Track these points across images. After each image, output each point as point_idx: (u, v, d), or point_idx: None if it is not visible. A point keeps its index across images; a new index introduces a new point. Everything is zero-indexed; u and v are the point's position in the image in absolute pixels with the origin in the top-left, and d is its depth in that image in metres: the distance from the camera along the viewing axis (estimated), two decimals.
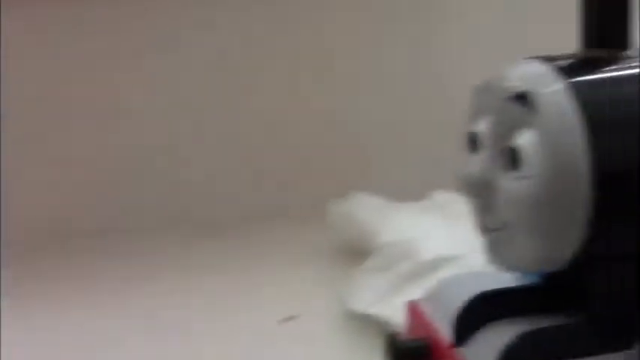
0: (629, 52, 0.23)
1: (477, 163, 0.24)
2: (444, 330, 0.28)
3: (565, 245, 0.22)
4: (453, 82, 0.61)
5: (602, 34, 0.23)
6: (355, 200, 0.52)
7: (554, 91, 0.22)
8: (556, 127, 0.21)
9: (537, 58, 0.23)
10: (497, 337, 0.25)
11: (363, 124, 0.61)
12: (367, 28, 0.61)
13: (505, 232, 0.24)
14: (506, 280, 0.29)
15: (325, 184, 0.58)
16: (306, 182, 0.59)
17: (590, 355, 0.23)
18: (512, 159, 0.22)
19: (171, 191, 0.58)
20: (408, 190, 0.52)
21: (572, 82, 0.22)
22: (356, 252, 0.49)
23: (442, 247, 0.43)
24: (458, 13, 0.62)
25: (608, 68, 0.23)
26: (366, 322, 0.41)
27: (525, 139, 0.22)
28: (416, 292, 0.40)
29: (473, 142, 0.24)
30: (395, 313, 0.39)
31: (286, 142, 0.60)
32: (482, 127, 0.24)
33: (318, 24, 0.60)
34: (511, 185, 0.23)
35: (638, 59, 0.23)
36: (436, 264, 0.42)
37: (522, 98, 0.22)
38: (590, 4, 0.23)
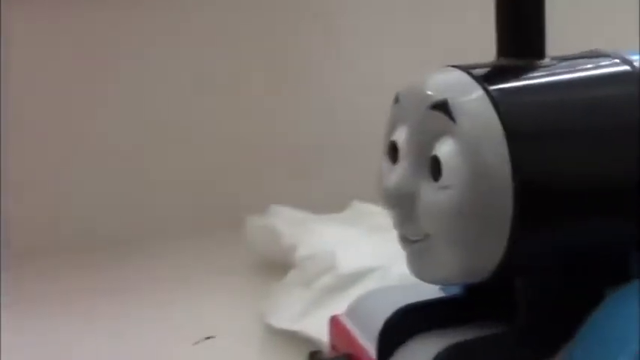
0: (546, 61, 0.23)
1: (397, 173, 0.23)
2: (367, 345, 0.27)
3: (487, 257, 0.22)
4: (371, 92, 0.61)
5: (518, 43, 0.23)
6: (273, 213, 0.51)
7: (473, 100, 0.21)
8: (476, 136, 0.21)
9: (456, 66, 0.23)
10: (423, 350, 0.25)
11: (280, 135, 0.60)
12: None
13: (426, 244, 0.23)
14: (428, 292, 0.29)
15: (242, 196, 0.57)
16: (222, 195, 0.58)
17: None
18: (432, 169, 0.22)
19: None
20: (327, 202, 0.52)
21: (492, 90, 0.22)
22: (275, 267, 0.48)
23: (363, 259, 0.43)
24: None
25: (526, 77, 0.23)
26: (288, 339, 0.40)
27: (445, 149, 0.22)
28: (338, 306, 0.39)
29: (393, 152, 0.24)
30: (318, 329, 0.38)
31: (201, 152, 0.58)
32: (402, 136, 0.24)
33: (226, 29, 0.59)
34: (431, 196, 0.22)
35: (555, 68, 0.23)
36: (358, 276, 0.42)
37: (441, 106, 0.22)
38: (505, 13, 0.23)
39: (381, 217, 0.53)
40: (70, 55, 0.55)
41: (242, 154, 0.59)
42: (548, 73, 0.23)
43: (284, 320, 0.41)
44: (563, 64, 0.23)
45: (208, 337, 0.42)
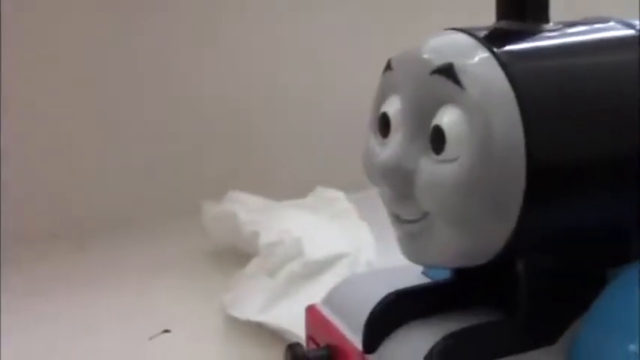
0: (550, 25, 0.21)
1: (391, 147, 0.21)
2: (350, 336, 0.25)
3: (493, 238, 0.20)
4: (335, 77, 0.59)
5: (521, 6, 0.21)
6: (232, 200, 0.49)
7: (481, 63, 0.19)
8: (486, 104, 0.19)
9: (456, 29, 0.21)
10: (415, 340, 0.23)
11: (238, 119, 0.57)
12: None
13: (424, 224, 0.21)
14: (411, 277, 0.27)
15: (198, 182, 0.54)
16: (177, 181, 0.55)
17: (518, 352, 0.21)
18: (434, 140, 0.20)
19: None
20: (289, 188, 0.49)
21: (500, 54, 0.20)
22: (236, 255, 0.46)
23: (331, 246, 0.41)
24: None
25: (534, 40, 0.21)
26: (253, 331, 0.38)
27: (449, 118, 0.19)
28: (306, 295, 0.37)
29: (384, 124, 0.22)
30: (287, 320, 0.36)
31: (155, 136, 0.55)
32: (395, 106, 0.21)
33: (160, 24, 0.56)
34: (433, 170, 0.20)
35: (561, 32, 0.21)
36: (326, 264, 0.40)
37: (445, 71, 0.19)
38: None
39: (344, 202, 0.51)
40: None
41: (197, 139, 0.56)
42: (555, 37, 0.21)
43: (248, 311, 0.38)
44: (569, 29, 0.22)
45: (165, 331, 0.40)
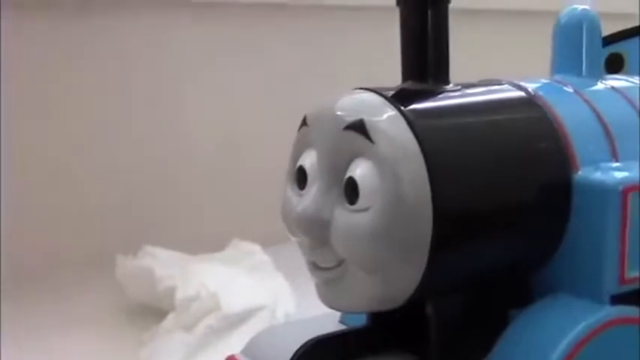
0: (450, 86, 0.23)
1: (308, 198, 0.22)
2: None
3: (404, 282, 0.21)
4: (251, 128, 0.60)
5: (424, 69, 0.23)
6: (147, 254, 0.49)
7: (389, 120, 0.21)
8: (394, 157, 0.20)
9: (364, 89, 0.23)
10: None
11: (154, 172, 0.58)
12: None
13: (340, 270, 0.22)
14: (328, 325, 0.28)
15: (112, 236, 0.53)
16: (91, 234, 0.54)
17: None
18: (347, 191, 0.21)
19: None
20: (205, 242, 0.50)
21: (406, 111, 0.21)
22: (152, 311, 0.46)
23: (248, 299, 0.41)
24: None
25: (436, 100, 0.23)
26: None
27: (361, 170, 0.21)
28: (224, 348, 0.38)
29: (301, 177, 0.23)
30: None
31: (69, 188, 0.55)
32: (311, 160, 0.23)
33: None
34: (347, 219, 0.21)
35: (461, 93, 0.23)
36: (244, 317, 0.40)
37: (357, 127, 0.21)
38: (411, 39, 0.23)
39: (260, 255, 0.52)
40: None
41: (113, 191, 0.56)
42: (455, 96, 0.23)
43: None
44: (467, 89, 0.24)
45: None
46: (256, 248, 0.49)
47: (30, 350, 0.43)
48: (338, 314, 0.27)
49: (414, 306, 0.23)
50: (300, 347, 0.25)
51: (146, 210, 0.57)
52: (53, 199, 0.54)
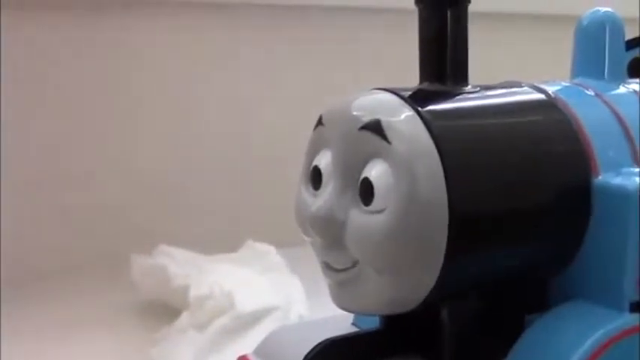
0: (469, 88, 0.23)
1: (322, 198, 0.22)
2: None
3: (419, 285, 0.21)
4: (263, 131, 0.60)
5: (443, 70, 0.23)
6: (162, 253, 0.49)
7: (406, 120, 0.21)
8: (411, 158, 0.20)
9: (382, 89, 0.22)
10: None
11: (169, 173, 0.58)
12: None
13: (354, 272, 0.22)
14: (340, 327, 0.28)
15: (127, 235, 0.53)
16: (104, 233, 0.54)
17: None
18: (362, 192, 0.21)
19: None
20: (220, 243, 0.50)
21: (423, 112, 0.21)
22: (165, 310, 0.46)
23: (262, 299, 0.41)
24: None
25: (454, 101, 0.22)
26: None
27: (377, 171, 0.21)
28: (237, 348, 0.37)
29: (316, 177, 0.23)
30: None
31: (85, 187, 0.55)
32: (326, 160, 0.23)
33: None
34: (362, 220, 0.21)
35: (479, 94, 0.23)
36: (257, 317, 0.40)
37: (373, 127, 0.21)
38: (432, 39, 0.23)
39: (276, 256, 0.52)
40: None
41: (128, 192, 0.56)
42: (473, 98, 0.23)
43: None
44: (486, 91, 0.23)
45: None
46: (270, 249, 0.49)
47: (42, 350, 0.43)
48: (351, 316, 0.27)
49: (428, 309, 0.23)
50: (313, 348, 0.25)
51: (160, 210, 0.57)
52: (67, 198, 0.55)
